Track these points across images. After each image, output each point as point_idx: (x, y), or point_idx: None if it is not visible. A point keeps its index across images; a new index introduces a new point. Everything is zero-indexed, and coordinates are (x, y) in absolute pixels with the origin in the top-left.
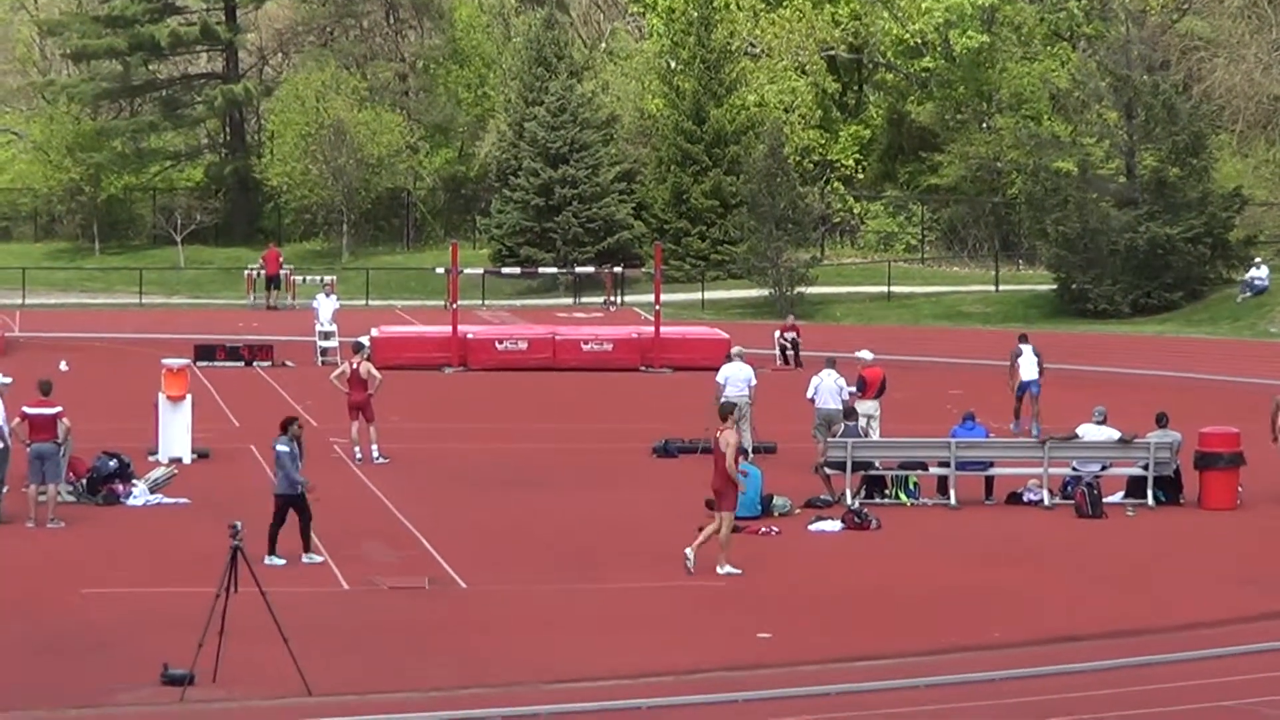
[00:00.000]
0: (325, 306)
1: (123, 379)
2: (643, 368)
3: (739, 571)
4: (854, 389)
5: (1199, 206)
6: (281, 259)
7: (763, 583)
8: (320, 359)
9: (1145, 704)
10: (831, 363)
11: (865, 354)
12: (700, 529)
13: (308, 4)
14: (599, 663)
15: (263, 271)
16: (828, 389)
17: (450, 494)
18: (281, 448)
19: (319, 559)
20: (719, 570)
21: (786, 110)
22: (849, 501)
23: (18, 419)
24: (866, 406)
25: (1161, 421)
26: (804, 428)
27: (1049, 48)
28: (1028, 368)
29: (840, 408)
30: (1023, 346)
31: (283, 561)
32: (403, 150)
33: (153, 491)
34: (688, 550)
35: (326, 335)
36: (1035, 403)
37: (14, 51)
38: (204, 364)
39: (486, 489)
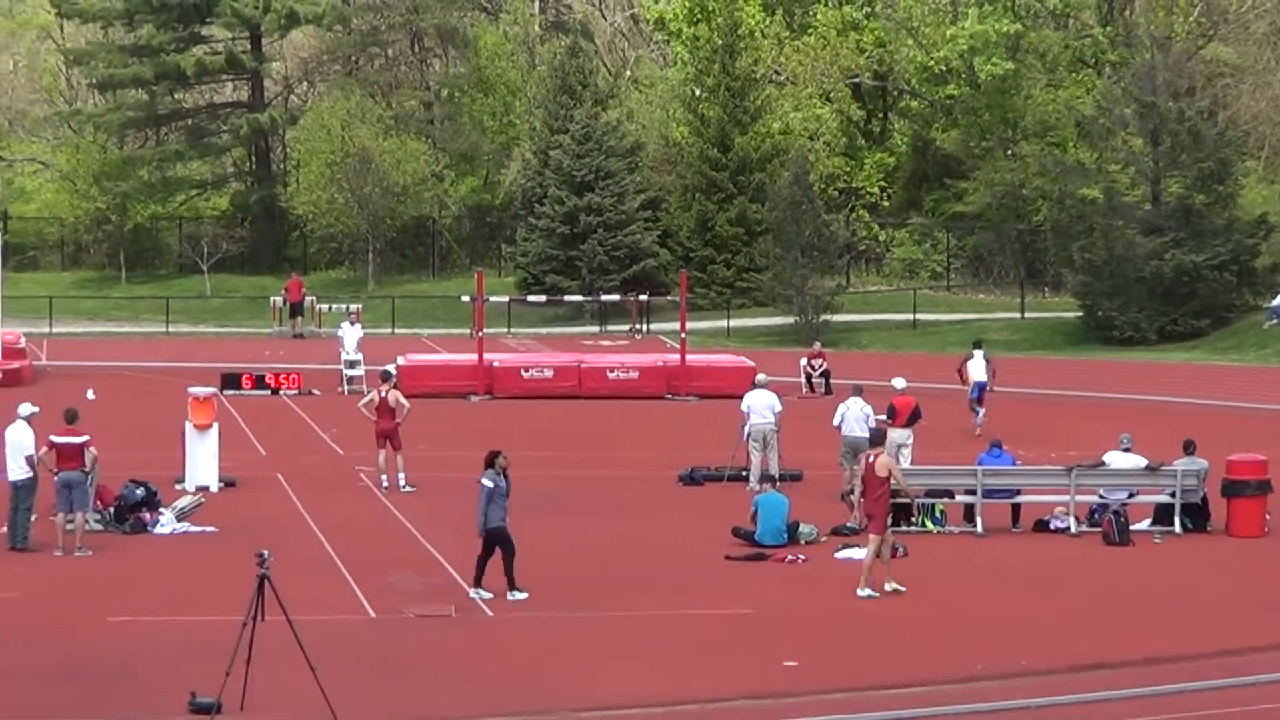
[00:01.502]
0: (350, 335)
1: (149, 408)
2: (668, 396)
3: (878, 594)
4: (883, 416)
5: (1225, 233)
6: (305, 287)
7: (789, 610)
8: (346, 387)
9: None
10: (858, 390)
11: (898, 382)
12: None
13: (333, 33)
14: (626, 691)
15: (287, 300)
16: (854, 416)
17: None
18: (487, 482)
19: (523, 595)
20: (859, 593)
21: (811, 137)
22: None
23: (45, 448)
24: (898, 435)
25: (1188, 449)
26: (830, 455)
27: (1074, 74)
28: (977, 369)
29: (866, 435)
30: (975, 352)
31: (489, 595)
32: (428, 178)
33: (180, 520)
34: (863, 591)
35: (352, 364)
36: (982, 401)
37: (41, 81)
38: (230, 392)
39: (513, 517)
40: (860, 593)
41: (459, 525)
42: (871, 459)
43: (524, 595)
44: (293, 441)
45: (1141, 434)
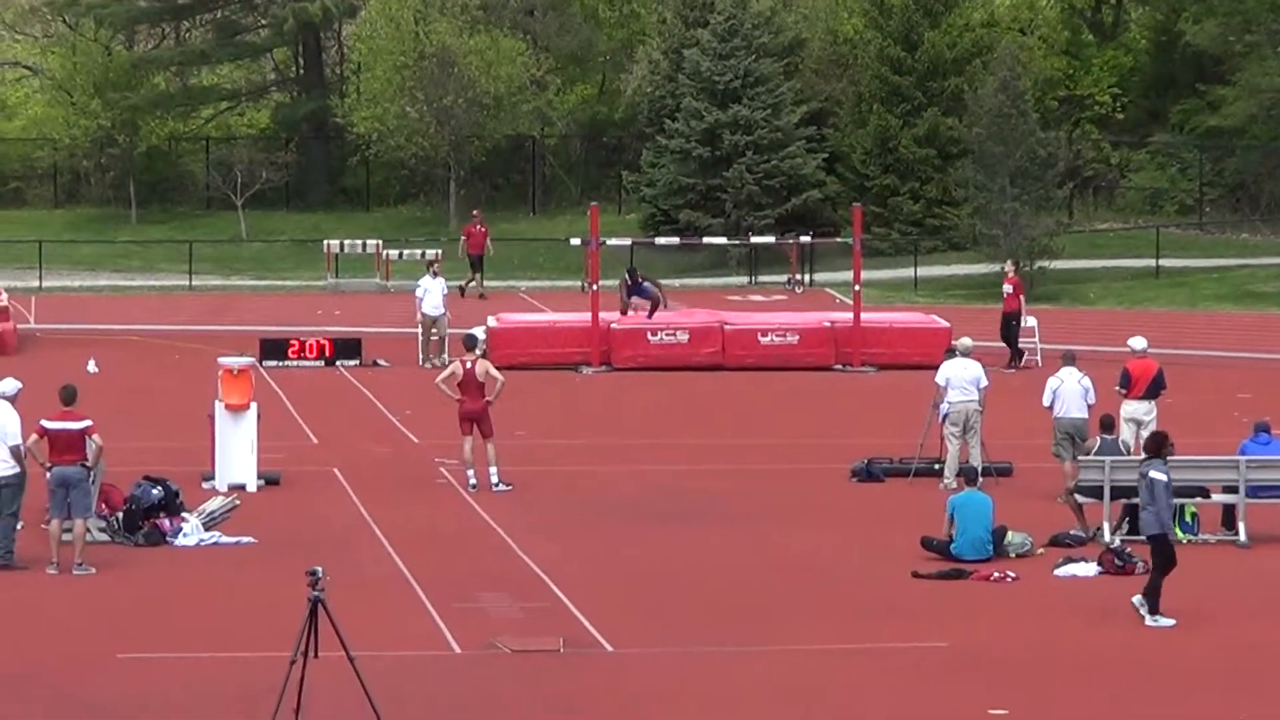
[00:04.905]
0: (434, 290)
1: (169, 383)
2: (839, 366)
3: None
4: (1117, 386)
5: None
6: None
7: (995, 644)
8: (425, 359)
9: None
10: (1071, 359)
11: (1136, 341)
12: None
13: None
14: None
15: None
16: (1069, 392)
17: (590, 530)
18: (1160, 475)
19: (1169, 621)
20: None
21: (1023, 31)
22: (1106, 538)
23: (35, 436)
24: (1133, 409)
25: None
26: (1047, 442)
27: None
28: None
29: (1086, 416)
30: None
31: (1172, 622)
32: (527, 86)
33: (208, 528)
34: None
35: (434, 323)
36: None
37: None
38: (272, 363)
39: (636, 524)
40: None
41: (567, 534)
42: None
43: (1172, 622)
44: (354, 426)
45: None
